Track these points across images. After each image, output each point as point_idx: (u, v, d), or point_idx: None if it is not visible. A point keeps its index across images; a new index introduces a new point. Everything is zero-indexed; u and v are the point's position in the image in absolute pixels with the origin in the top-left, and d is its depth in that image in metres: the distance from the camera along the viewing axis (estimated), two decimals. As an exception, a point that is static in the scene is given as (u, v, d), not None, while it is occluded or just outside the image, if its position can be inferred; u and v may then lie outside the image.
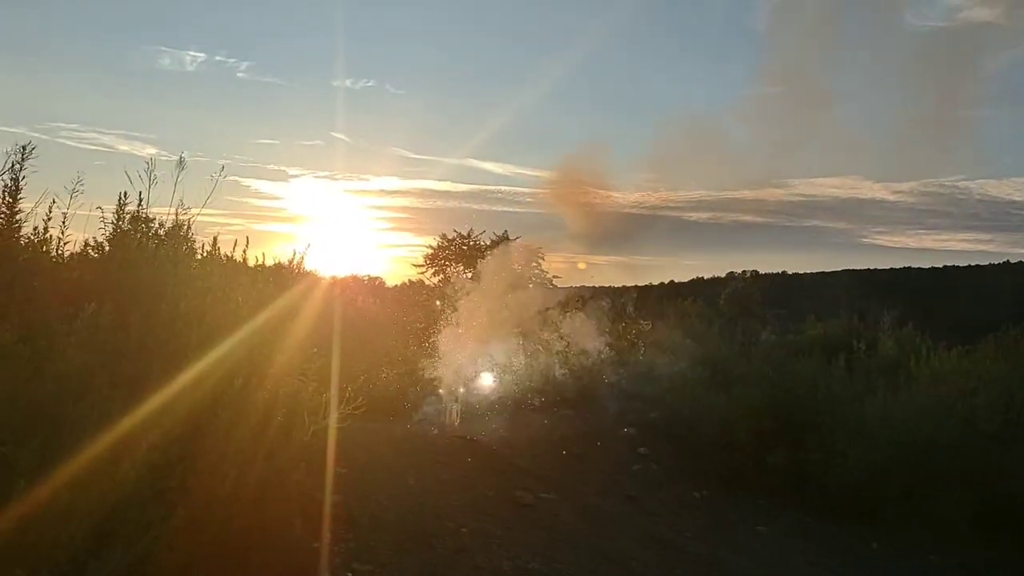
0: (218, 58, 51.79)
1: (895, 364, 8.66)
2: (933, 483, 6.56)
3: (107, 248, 4.39)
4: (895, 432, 6.82)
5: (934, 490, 6.51)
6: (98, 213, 4.36)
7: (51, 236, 4.07)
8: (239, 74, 52.40)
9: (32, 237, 4.00)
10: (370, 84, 51.19)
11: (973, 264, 58.42)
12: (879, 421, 7.01)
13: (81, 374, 3.13)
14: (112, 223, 4.41)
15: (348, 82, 46.84)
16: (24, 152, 3.77)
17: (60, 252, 4.19)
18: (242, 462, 3.58)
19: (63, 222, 4.07)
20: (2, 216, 3.81)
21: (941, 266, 58.94)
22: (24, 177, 3.83)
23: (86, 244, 4.43)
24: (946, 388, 7.48)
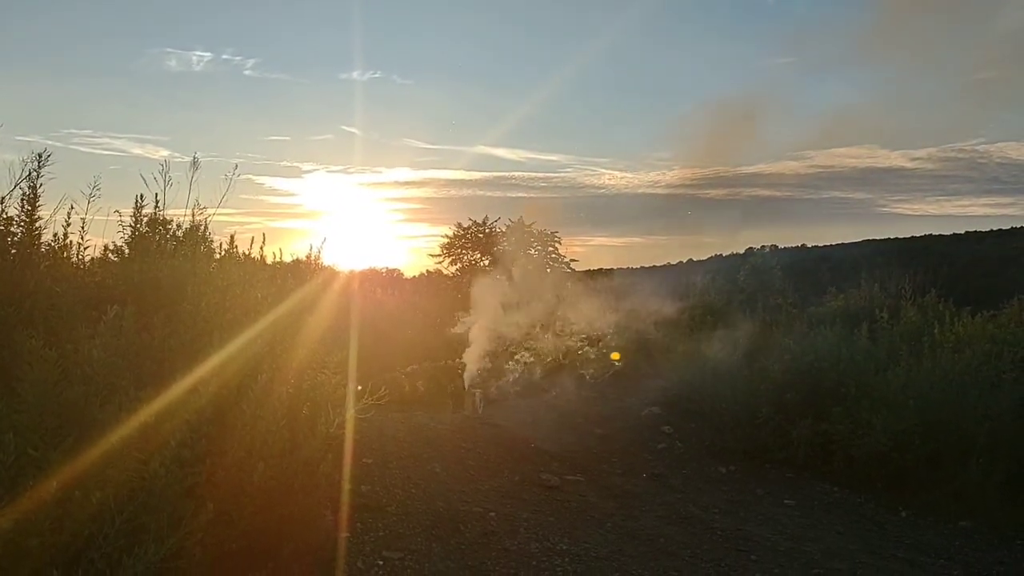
0: (224, 57, 51.80)
1: (919, 332, 8.59)
2: (961, 449, 6.52)
3: (127, 251, 4.45)
4: (921, 399, 6.78)
5: (962, 456, 6.48)
6: (116, 217, 4.42)
7: (71, 242, 4.13)
8: (246, 72, 52.42)
9: (53, 244, 4.06)
10: (377, 75, 51.02)
11: (995, 228, 57.48)
12: (904, 389, 6.96)
13: (107, 376, 3.19)
14: (130, 226, 4.47)
15: (355, 74, 46.83)
16: (40, 160, 3.82)
17: (81, 257, 4.25)
18: (269, 455, 3.63)
19: (82, 227, 4.12)
20: (22, 224, 3.87)
21: (963, 232, 58.03)
22: (42, 185, 3.89)
23: (106, 248, 4.50)
24: (971, 353, 7.42)
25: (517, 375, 10.78)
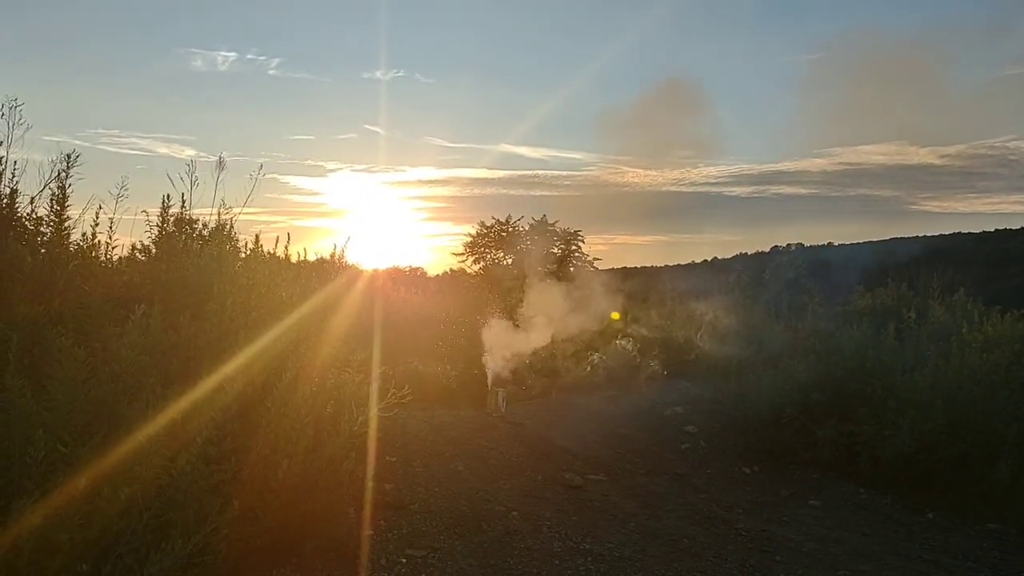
0: (249, 56, 52.32)
1: (947, 331, 8.47)
2: (989, 450, 6.43)
3: (154, 251, 4.51)
4: (948, 400, 6.69)
5: (990, 457, 6.38)
6: (143, 217, 4.48)
7: (99, 241, 4.19)
8: (271, 71, 52.91)
9: (81, 243, 4.12)
10: (400, 74, 51.39)
11: (1026, 226, 56.32)
12: (931, 389, 6.87)
13: (135, 374, 3.23)
14: (157, 226, 4.52)
15: (378, 73, 47.19)
16: (69, 160, 3.88)
17: (109, 256, 4.31)
18: (293, 453, 3.66)
19: (110, 227, 4.18)
20: (52, 224, 3.93)
21: (992, 230, 56.97)
22: (70, 185, 3.95)
23: (133, 247, 4.56)
24: (1001, 353, 7.31)
25: (540, 374, 10.79)
